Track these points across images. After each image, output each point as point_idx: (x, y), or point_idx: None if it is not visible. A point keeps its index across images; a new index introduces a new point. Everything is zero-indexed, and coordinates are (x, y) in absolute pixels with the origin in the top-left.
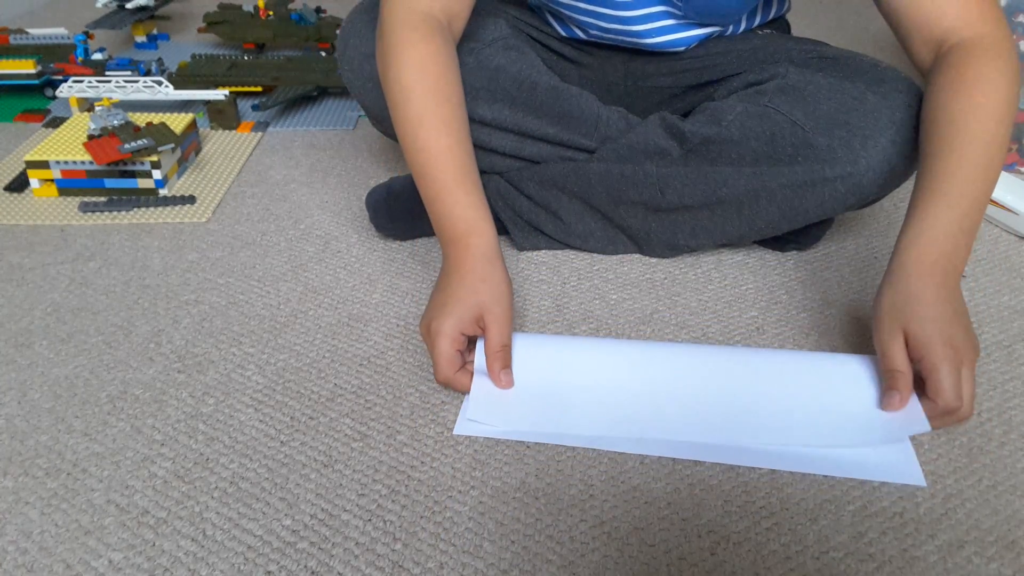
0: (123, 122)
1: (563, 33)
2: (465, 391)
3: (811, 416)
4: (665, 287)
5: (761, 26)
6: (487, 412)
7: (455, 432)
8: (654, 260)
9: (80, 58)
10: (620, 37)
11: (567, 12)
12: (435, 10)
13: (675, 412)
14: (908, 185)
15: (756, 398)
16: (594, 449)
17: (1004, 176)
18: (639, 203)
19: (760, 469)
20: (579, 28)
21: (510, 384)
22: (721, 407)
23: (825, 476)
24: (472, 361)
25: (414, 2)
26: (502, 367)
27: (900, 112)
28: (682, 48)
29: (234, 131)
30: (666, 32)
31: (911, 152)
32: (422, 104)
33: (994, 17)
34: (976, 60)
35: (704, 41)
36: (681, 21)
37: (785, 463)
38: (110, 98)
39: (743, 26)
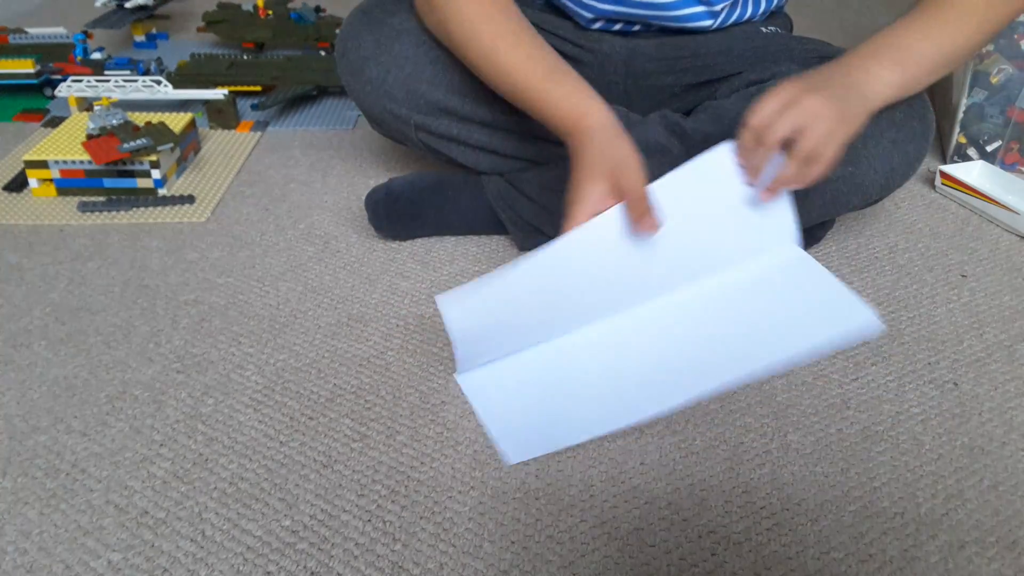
0: (122, 121)
1: (560, 31)
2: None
3: (763, 328)
4: None
5: (766, 16)
6: (473, 352)
7: (456, 376)
8: None
9: (79, 57)
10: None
11: None
12: None
13: (643, 386)
14: (909, 185)
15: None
16: (594, 449)
17: (1004, 176)
18: None
19: (761, 469)
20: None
21: (654, 226)
22: (678, 364)
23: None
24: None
25: None
26: (640, 215)
27: (900, 112)
28: (709, 22)
29: (233, 131)
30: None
31: (911, 151)
32: (492, 31)
33: None
34: None
35: (705, 35)
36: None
37: (746, 369)
38: (109, 97)
39: (762, 8)
